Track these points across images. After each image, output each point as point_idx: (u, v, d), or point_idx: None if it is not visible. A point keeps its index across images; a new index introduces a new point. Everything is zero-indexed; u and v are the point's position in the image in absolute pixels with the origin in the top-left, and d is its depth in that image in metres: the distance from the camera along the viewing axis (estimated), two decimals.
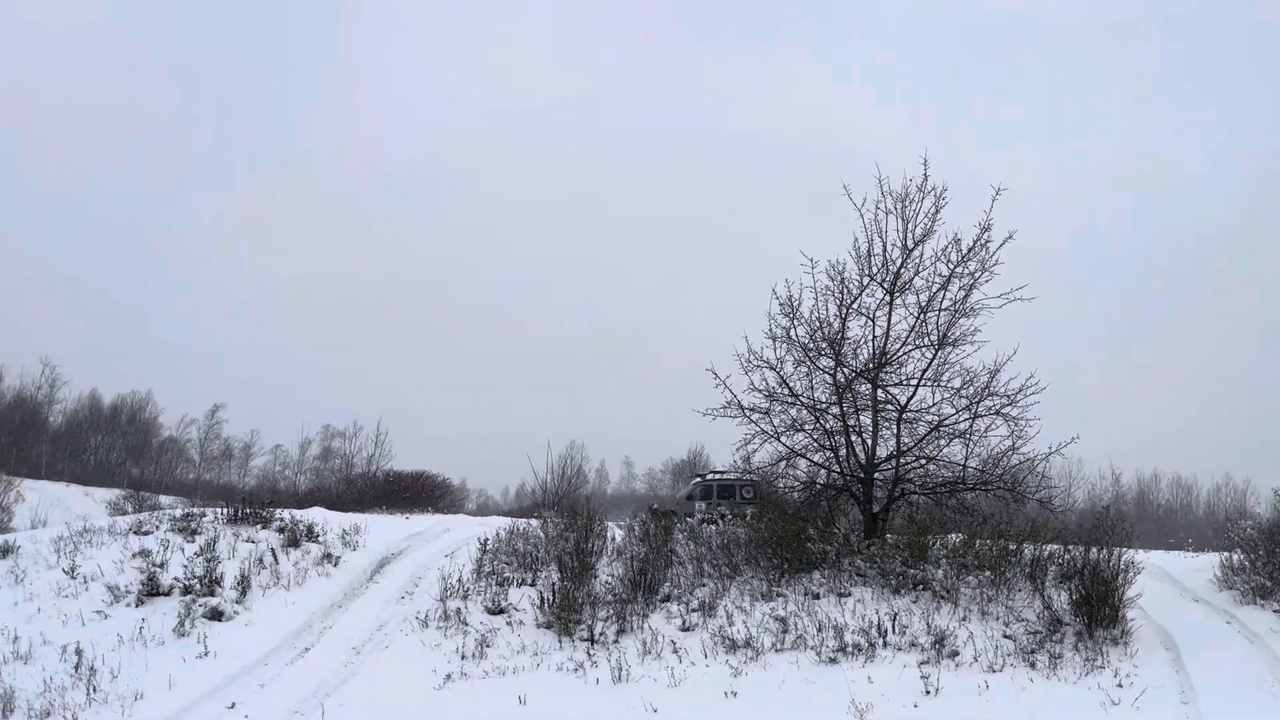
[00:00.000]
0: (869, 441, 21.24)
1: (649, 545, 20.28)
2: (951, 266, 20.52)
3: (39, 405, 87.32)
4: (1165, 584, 19.12)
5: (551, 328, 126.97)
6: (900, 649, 15.27)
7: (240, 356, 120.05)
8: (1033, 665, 14.61)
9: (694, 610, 17.23)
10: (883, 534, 20.71)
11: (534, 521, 25.02)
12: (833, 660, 14.82)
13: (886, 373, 21.35)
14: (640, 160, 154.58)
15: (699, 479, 33.98)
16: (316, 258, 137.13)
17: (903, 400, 21.01)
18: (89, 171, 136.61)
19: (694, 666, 14.77)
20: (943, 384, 20.71)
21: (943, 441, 20.71)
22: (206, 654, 15.41)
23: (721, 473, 34.17)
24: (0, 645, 15.22)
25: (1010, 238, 20.11)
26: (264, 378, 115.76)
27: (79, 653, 14.94)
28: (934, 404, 20.81)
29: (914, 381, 20.96)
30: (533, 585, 18.94)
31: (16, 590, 18.11)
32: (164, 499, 61.17)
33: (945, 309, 20.73)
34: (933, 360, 20.74)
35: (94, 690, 13.65)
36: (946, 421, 20.68)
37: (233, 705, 13.92)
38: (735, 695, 13.62)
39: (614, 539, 21.88)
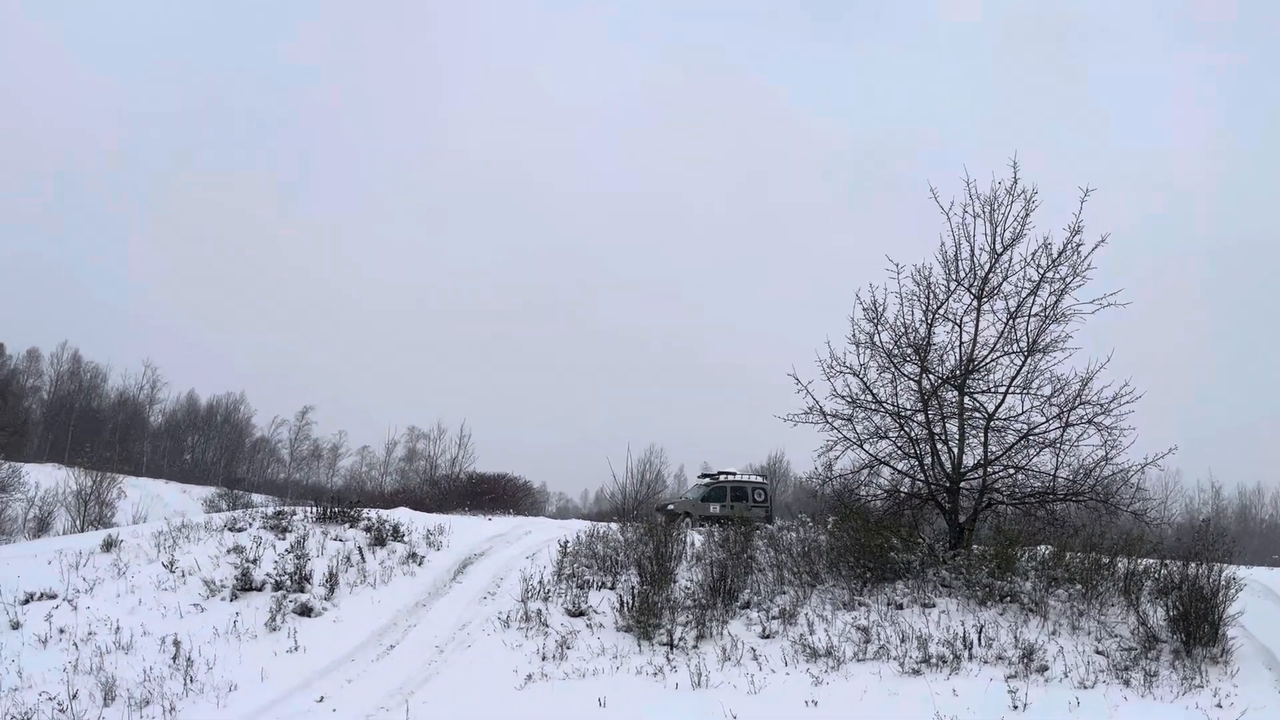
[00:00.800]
0: (955, 450, 20.83)
1: (728, 552, 20.19)
2: (1042, 271, 20.04)
3: (141, 405, 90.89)
4: (1269, 602, 18.31)
5: (632, 330, 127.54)
6: (987, 662, 14.92)
7: (325, 360, 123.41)
8: (1127, 683, 14.13)
9: (774, 618, 17.10)
10: (968, 544, 20.28)
11: (613, 525, 25.15)
12: (916, 672, 14.55)
13: (973, 379, 20.93)
14: (714, 161, 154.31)
15: (709, 479, 34.15)
16: (392, 268, 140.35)
17: (990, 408, 20.57)
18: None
19: (774, 674, 14.66)
20: (1032, 391, 20.22)
21: (1032, 450, 20.21)
22: (296, 648, 15.83)
23: (733, 474, 34.63)
24: (104, 635, 15.85)
25: (1103, 241, 19.57)
26: (349, 382, 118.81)
27: (177, 644, 15.47)
28: (1023, 412, 20.34)
29: (1002, 389, 20.49)
30: (612, 589, 19.03)
31: (119, 583, 18.85)
32: (256, 497, 63.11)
33: (1035, 314, 20.24)
34: (1022, 367, 20.25)
35: (191, 680, 14.12)
36: (1036, 430, 20.17)
37: (321, 699, 14.28)
38: (816, 704, 13.48)
39: (693, 544, 21.85)
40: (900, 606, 17.68)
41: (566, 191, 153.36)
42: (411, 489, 60.06)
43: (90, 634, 15.94)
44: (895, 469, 21.41)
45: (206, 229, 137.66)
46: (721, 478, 34.40)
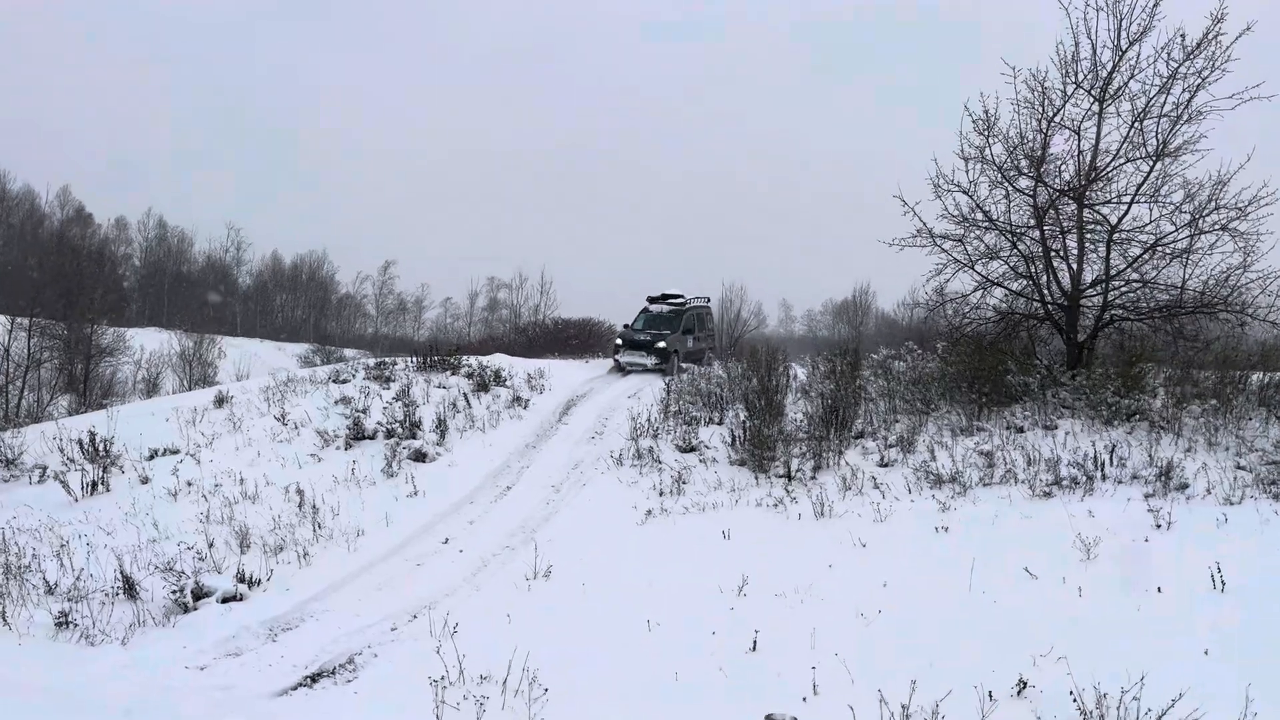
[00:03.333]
0: (1074, 266, 19.74)
1: (836, 383, 19.71)
2: (1174, 66, 18.31)
3: (228, 268, 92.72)
4: None
5: (708, 163, 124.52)
6: (1121, 482, 14.34)
7: (407, 215, 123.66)
8: (1276, 497, 13.47)
9: (890, 446, 16.70)
10: (1087, 365, 19.44)
11: (704, 367, 24.86)
12: (1047, 494, 14.06)
13: (1094, 190, 19.58)
14: None
15: (646, 307, 29.81)
16: (460, 118, 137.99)
17: (1113, 219, 19.28)
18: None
19: (898, 502, 14.33)
20: (1160, 199, 18.83)
21: (1159, 262, 18.98)
22: (416, 493, 16.01)
23: (676, 298, 29.63)
24: (230, 487, 16.21)
25: (1248, 29, 17.66)
26: (429, 235, 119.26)
27: (300, 493, 15.75)
28: (1149, 222, 19.02)
29: (1126, 198, 19.13)
30: (720, 424, 18.80)
31: (236, 436, 19.27)
32: (348, 352, 64.59)
33: (1165, 115, 18.63)
34: (1149, 173, 18.82)
35: (319, 527, 14.37)
36: (1163, 240, 18.89)
37: (446, 541, 14.45)
38: (947, 530, 13.13)
39: (796, 377, 21.42)
40: (1021, 430, 17.11)
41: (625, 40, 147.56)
42: (499, 337, 60.70)
43: (217, 486, 16.32)
44: (1009, 290, 20.46)
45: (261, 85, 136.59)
46: (654, 310, 29.28)
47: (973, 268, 20.45)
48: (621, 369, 26.43)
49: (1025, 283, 20.31)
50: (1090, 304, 19.76)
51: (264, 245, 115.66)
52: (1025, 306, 20.41)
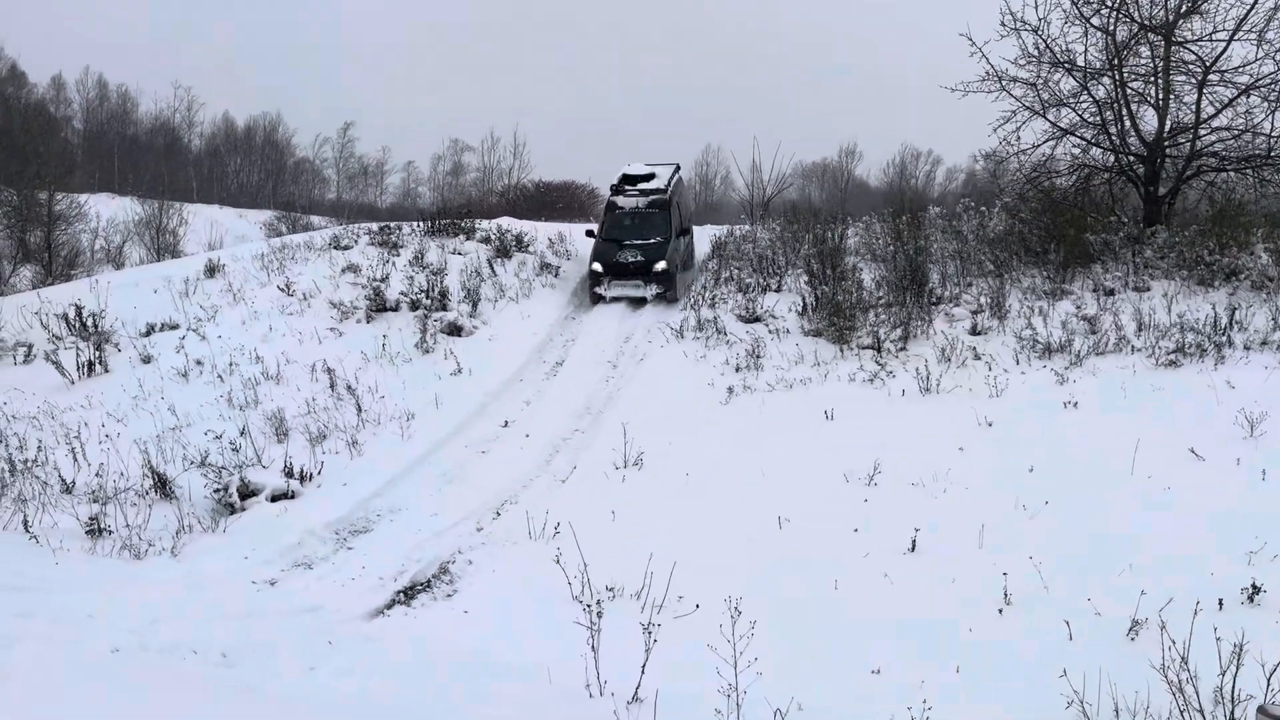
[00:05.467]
0: (1158, 111, 18.04)
1: (899, 244, 18.09)
2: None
3: (178, 130, 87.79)
4: None
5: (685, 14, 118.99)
6: (1250, 348, 13.05)
7: (363, 74, 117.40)
8: None
9: (976, 312, 15.25)
10: (1166, 221, 18.00)
11: (742, 228, 23.12)
12: (1172, 363, 12.74)
13: (1184, 26, 17.73)
14: None
15: (613, 202, 19.89)
16: None
17: (1207, 59, 17.49)
18: None
19: (1007, 374, 12.96)
20: (1265, 37, 17.02)
21: (1259, 107, 17.34)
22: (459, 371, 14.35)
23: (647, 179, 19.99)
24: (248, 366, 14.43)
25: None
26: (386, 97, 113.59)
27: (329, 371, 14.04)
28: (1250, 61, 17.25)
29: (1223, 35, 17.32)
30: (778, 291, 17.21)
31: (240, 309, 17.33)
32: (314, 219, 61.49)
33: None
34: (1254, 4, 16.94)
35: (361, 410, 12.72)
36: (1262, 82, 17.20)
37: (506, 424, 12.92)
38: (1075, 405, 11.80)
39: (850, 238, 19.80)
40: (1111, 292, 15.71)
41: None
42: (474, 202, 58.06)
43: (231, 365, 14.53)
44: (1083, 139, 18.78)
45: None
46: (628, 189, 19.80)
47: (1044, 115, 18.71)
48: (603, 300, 18.12)
49: (1098, 131, 18.65)
50: (1174, 154, 18.16)
51: (214, 107, 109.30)
52: (1100, 159, 18.80)
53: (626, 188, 19.82)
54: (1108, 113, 18.39)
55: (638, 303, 17.97)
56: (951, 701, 6.48)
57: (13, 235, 35.23)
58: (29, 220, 35.58)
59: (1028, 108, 18.50)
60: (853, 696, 6.85)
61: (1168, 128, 18.09)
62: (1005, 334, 14.32)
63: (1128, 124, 18.28)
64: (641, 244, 18.33)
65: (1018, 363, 13.32)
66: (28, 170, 36.16)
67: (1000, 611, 7.81)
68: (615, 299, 18.02)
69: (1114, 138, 18.44)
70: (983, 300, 15.57)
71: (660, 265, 17.94)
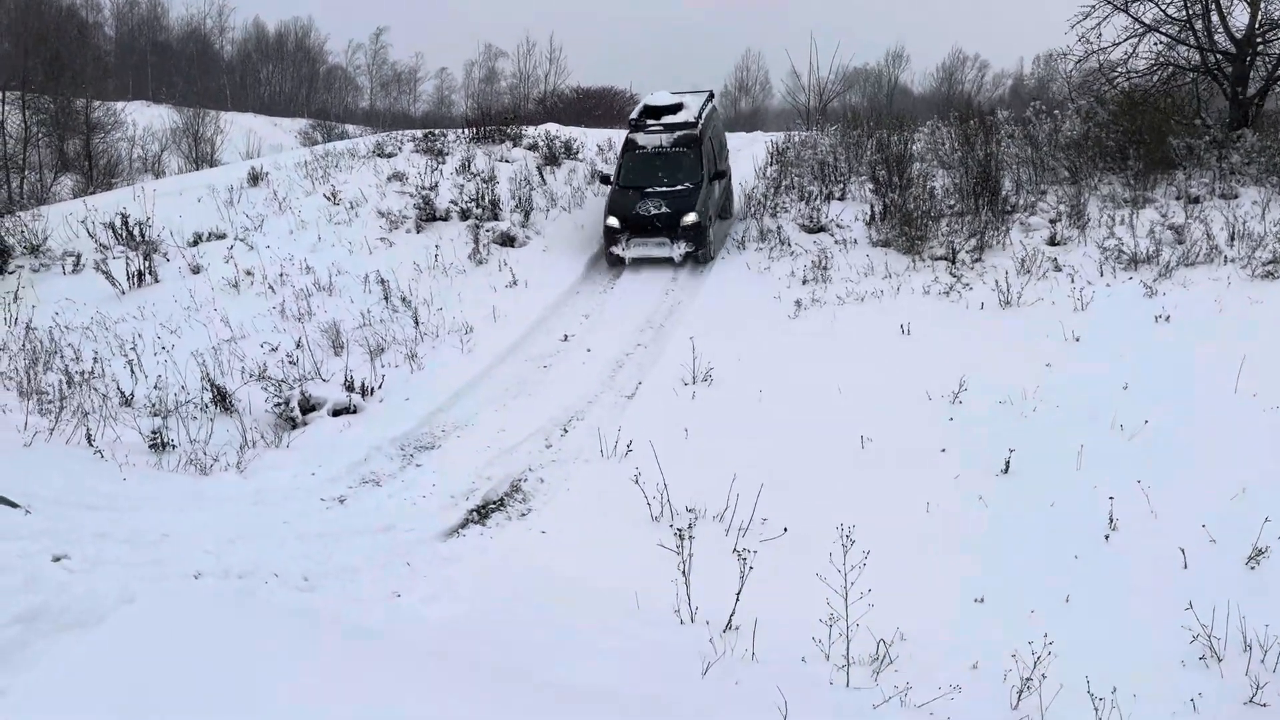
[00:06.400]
0: (1250, 6, 16.91)
1: (967, 149, 17.25)
2: None
3: (209, 36, 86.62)
4: None
5: None
6: None
7: None
8: None
9: (1055, 221, 14.53)
10: (1256, 123, 17.00)
11: (799, 134, 22.26)
12: (1270, 275, 12.06)
13: None
14: None
15: (632, 140, 16.30)
16: None
17: None
18: None
19: (1092, 286, 12.33)
20: None
21: None
22: (515, 283, 13.92)
23: (673, 110, 16.41)
24: (299, 276, 14.08)
25: None
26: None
27: (382, 282, 13.66)
28: None
29: None
30: (841, 199, 16.51)
31: (286, 218, 16.92)
32: (349, 128, 60.75)
33: None
34: None
35: (419, 323, 12.37)
36: None
37: (566, 338, 12.54)
38: (1167, 319, 11.20)
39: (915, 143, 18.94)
40: (1197, 200, 14.91)
41: None
42: (511, 109, 56.90)
43: (282, 275, 14.17)
44: (1166, 36, 17.68)
45: None
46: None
47: (1125, 9, 17.60)
48: (621, 262, 15.08)
49: (1185, 28, 17.54)
50: (1265, 53, 17.07)
51: (245, 12, 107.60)
52: (1185, 57, 17.72)
53: (649, 122, 16.34)
54: (1195, 6, 17.27)
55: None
56: (1064, 633, 6.11)
57: (51, 144, 35.02)
58: (66, 128, 35.29)
59: (1108, 1, 17.41)
60: (957, 626, 6.53)
61: (1259, 23, 16.96)
62: (1086, 244, 13.62)
63: (1215, 19, 17.15)
64: (667, 192, 15.09)
65: (1102, 274, 12.67)
66: (63, 77, 35.70)
67: (1106, 538, 7.42)
68: (637, 261, 15.05)
69: (1200, 34, 17.35)
70: (1060, 209, 14.83)
71: (690, 218, 14.68)
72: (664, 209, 14.87)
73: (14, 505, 5.66)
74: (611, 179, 16.12)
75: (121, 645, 4.08)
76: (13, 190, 24.82)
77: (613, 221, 15.07)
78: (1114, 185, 15.88)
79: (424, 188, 17.17)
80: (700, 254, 14.81)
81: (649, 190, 15.20)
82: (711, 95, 17.49)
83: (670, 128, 16.03)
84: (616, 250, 14.99)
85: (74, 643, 4.10)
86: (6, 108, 29.35)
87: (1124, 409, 9.14)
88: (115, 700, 3.81)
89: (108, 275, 14.08)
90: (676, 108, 16.43)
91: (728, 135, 18.69)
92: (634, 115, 16.83)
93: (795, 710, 5.13)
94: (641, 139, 16.11)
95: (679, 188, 15.18)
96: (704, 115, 16.26)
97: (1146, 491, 7.64)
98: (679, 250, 14.74)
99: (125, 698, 3.83)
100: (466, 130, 21.47)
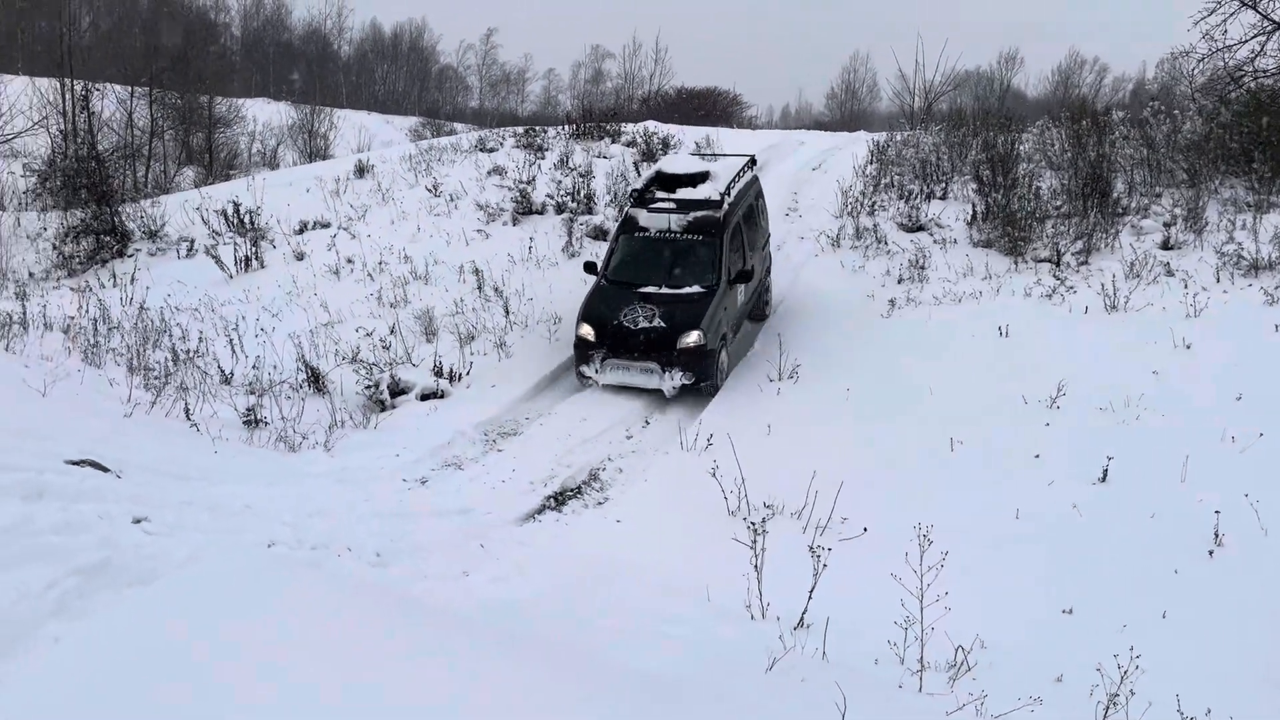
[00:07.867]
0: None
1: (1078, 150, 16.58)
2: None
3: (329, 36, 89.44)
4: None
5: None
6: None
7: None
8: None
9: (1170, 225, 13.85)
10: None
11: (901, 134, 21.75)
12: None
13: None
14: None
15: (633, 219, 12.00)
16: None
17: None
18: None
19: (1207, 292, 11.68)
20: None
21: None
22: None
23: (692, 181, 12.11)
24: (397, 265, 14.39)
25: None
26: (529, 1, 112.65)
27: (476, 273, 13.85)
28: None
29: None
30: (943, 199, 16.08)
31: (388, 208, 17.35)
32: (457, 126, 61.92)
33: None
34: None
35: (509, 313, 12.49)
36: None
37: None
38: None
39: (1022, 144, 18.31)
40: None
41: None
42: (614, 109, 57.22)
43: (381, 263, 14.52)
44: None
45: None
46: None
47: (1254, 6, 16.71)
48: (585, 381, 11.03)
49: None
50: None
51: (363, 13, 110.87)
52: None
53: (659, 194, 12.06)
54: None
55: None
56: (1158, 650, 5.77)
57: (176, 136, 36.63)
58: (191, 123, 36.88)
59: None
60: (1043, 637, 6.24)
61: None
62: (1203, 249, 12.94)
63: None
64: (668, 296, 11.06)
65: (1218, 280, 12.01)
66: (190, 74, 37.32)
67: (1210, 554, 7.00)
68: (611, 388, 10.89)
69: None
70: (1176, 212, 14.13)
71: (691, 338, 10.57)
72: (656, 322, 10.72)
73: (105, 470, 5.88)
74: (599, 268, 11.85)
75: (173, 601, 4.19)
76: (137, 179, 26.01)
77: (586, 331, 10.92)
78: (1236, 189, 15.06)
79: (522, 182, 17.36)
80: (704, 386, 10.70)
81: (643, 290, 11.15)
82: (752, 161, 13.62)
83: (686, 205, 11.70)
84: (587, 371, 10.85)
85: (133, 597, 4.22)
86: (135, 102, 30.77)
87: (1236, 420, 8.64)
88: (155, 652, 3.90)
89: (217, 260, 14.63)
90: (700, 178, 12.13)
91: (825, 138, 17.96)
92: (639, 184, 12.70)
93: (861, 713, 4.96)
94: (644, 218, 11.80)
95: (684, 291, 11.11)
96: (735, 191, 12.08)
97: (1256, 506, 7.18)
98: (670, 382, 10.55)
99: (163, 652, 3.92)
100: (567, 127, 21.64)
